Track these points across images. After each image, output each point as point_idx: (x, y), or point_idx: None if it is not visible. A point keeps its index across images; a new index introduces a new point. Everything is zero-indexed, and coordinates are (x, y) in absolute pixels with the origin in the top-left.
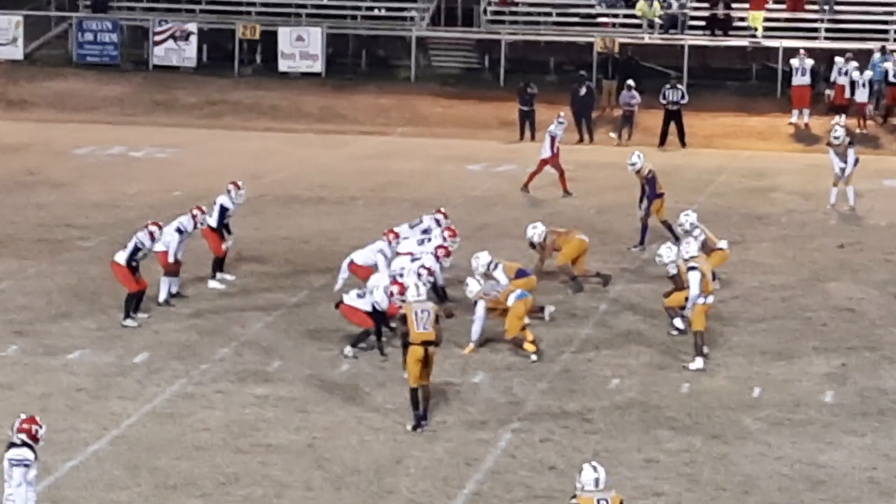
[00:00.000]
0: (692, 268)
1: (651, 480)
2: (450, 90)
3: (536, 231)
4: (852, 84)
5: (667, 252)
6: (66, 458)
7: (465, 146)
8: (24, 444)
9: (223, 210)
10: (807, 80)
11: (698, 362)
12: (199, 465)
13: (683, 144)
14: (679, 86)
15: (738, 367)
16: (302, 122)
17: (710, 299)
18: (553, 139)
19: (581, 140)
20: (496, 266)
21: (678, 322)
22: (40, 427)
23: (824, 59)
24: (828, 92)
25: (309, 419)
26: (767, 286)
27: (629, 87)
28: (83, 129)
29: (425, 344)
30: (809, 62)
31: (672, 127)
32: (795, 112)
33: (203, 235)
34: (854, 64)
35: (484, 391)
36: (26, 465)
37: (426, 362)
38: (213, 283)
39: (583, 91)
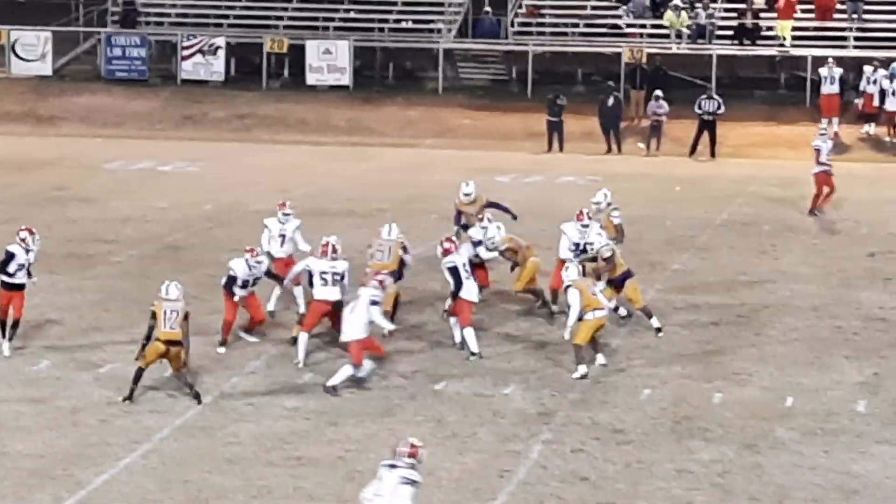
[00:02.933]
0: (568, 286)
1: (684, 491)
2: (477, 102)
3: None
4: (882, 92)
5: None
6: (97, 472)
7: (493, 158)
8: (412, 466)
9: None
10: (836, 88)
11: (581, 370)
12: (230, 478)
13: (713, 155)
14: (715, 96)
15: (769, 377)
16: (330, 135)
17: (600, 314)
18: (818, 152)
19: (609, 150)
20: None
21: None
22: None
23: (853, 68)
24: (857, 101)
25: (340, 432)
26: (798, 295)
27: (657, 98)
28: (112, 143)
29: (168, 343)
30: (838, 71)
31: (704, 137)
32: (824, 121)
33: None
34: (883, 72)
35: (515, 402)
36: (415, 485)
37: (169, 358)
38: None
39: (611, 101)
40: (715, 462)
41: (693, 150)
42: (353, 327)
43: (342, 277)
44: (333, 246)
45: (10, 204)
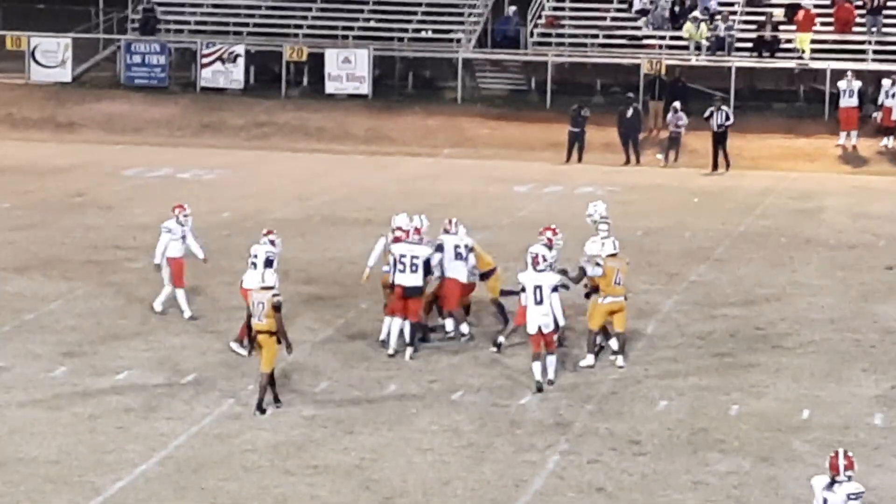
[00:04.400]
0: (598, 264)
1: (700, 503)
2: (496, 112)
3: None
4: None
5: (591, 246)
6: (114, 479)
7: (511, 168)
8: (850, 479)
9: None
10: (854, 101)
11: (589, 359)
12: (246, 486)
13: (728, 166)
14: (724, 107)
15: (786, 389)
16: (348, 143)
17: (608, 300)
18: None
19: (627, 162)
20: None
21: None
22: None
23: (872, 81)
24: (875, 114)
25: (356, 440)
26: (816, 308)
27: (675, 109)
28: (131, 150)
29: (259, 333)
30: (857, 84)
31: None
32: (843, 134)
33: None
34: None
35: (531, 413)
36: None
37: (260, 348)
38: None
39: (629, 113)
40: (731, 474)
41: (715, 165)
42: (543, 319)
43: (425, 264)
44: (416, 228)
45: (30, 210)
